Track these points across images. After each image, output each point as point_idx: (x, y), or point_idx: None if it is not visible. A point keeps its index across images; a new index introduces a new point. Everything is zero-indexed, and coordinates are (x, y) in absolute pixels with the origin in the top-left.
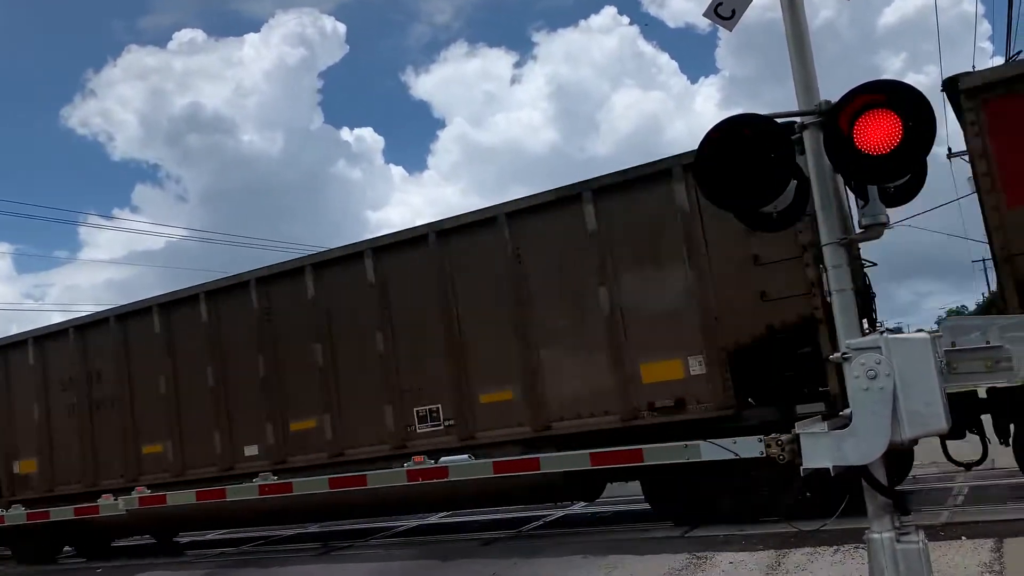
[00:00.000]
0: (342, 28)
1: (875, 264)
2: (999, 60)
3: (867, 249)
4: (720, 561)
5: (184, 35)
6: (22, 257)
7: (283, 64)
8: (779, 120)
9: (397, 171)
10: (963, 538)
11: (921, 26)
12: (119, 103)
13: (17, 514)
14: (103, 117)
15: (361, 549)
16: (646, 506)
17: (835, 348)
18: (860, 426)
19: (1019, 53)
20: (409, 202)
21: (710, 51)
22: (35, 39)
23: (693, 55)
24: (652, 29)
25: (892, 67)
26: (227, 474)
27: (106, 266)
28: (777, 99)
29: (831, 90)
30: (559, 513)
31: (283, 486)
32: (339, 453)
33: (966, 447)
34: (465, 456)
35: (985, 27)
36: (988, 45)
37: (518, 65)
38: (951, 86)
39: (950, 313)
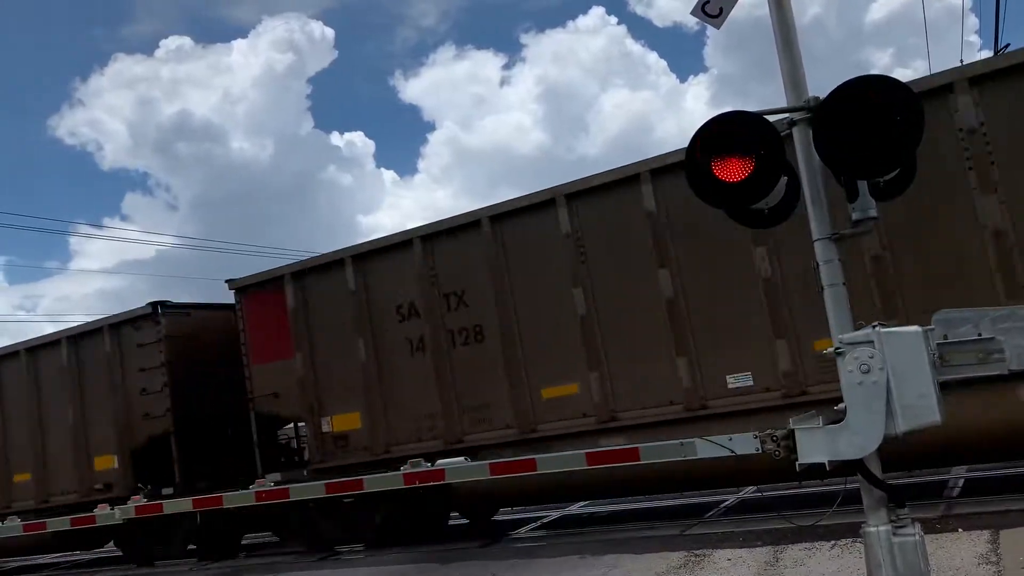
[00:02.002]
0: (331, 33)
1: None
2: (987, 53)
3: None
4: (718, 558)
5: (171, 42)
6: (13, 268)
7: (272, 70)
8: (769, 117)
9: (388, 175)
10: (959, 530)
11: (908, 21)
12: (107, 112)
13: (13, 526)
14: (91, 126)
15: (359, 554)
16: (644, 505)
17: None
18: (854, 420)
19: (1007, 46)
20: (400, 206)
21: (699, 49)
22: (19, 48)
23: (682, 54)
24: (641, 29)
25: (880, 62)
26: None
27: (97, 276)
28: (766, 96)
29: (820, 86)
30: (556, 514)
31: (280, 492)
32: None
33: None
34: (462, 459)
35: (972, 21)
36: (975, 39)
37: (507, 67)
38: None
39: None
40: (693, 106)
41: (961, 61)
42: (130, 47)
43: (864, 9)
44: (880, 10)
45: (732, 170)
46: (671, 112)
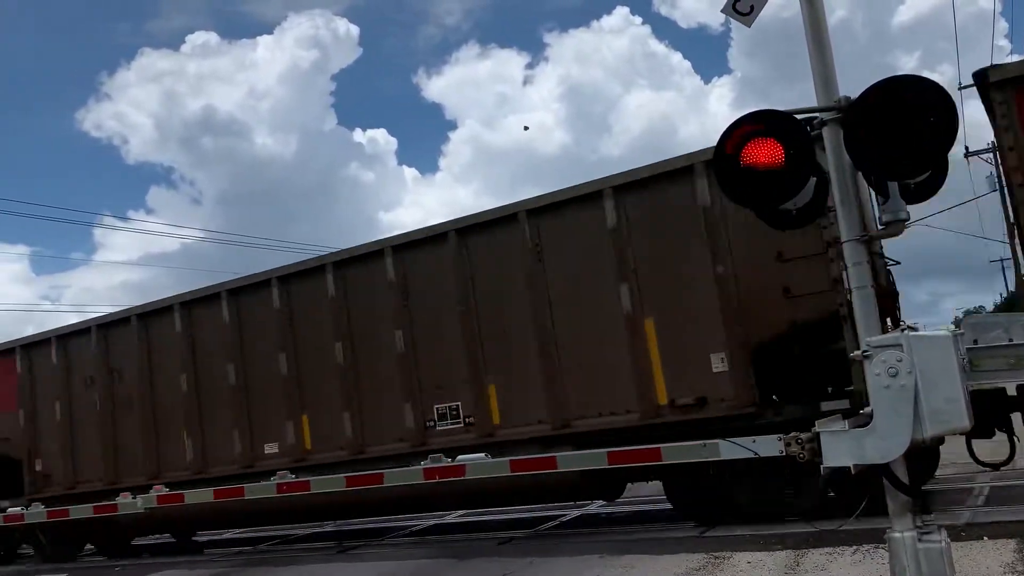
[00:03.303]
0: (355, 30)
1: (898, 263)
2: (1016, 57)
3: (887, 247)
4: (738, 561)
5: (197, 38)
6: (39, 258)
7: (296, 66)
8: (799, 116)
9: (410, 172)
10: (985, 538)
11: (935, 25)
12: (133, 106)
13: (37, 512)
14: (117, 120)
15: (376, 548)
16: (663, 506)
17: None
18: (881, 424)
19: None
20: (422, 203)
21: (722, 51)
22: (47, 43)
23: (706, 55)
24: (665, 29)
25: (907, 66)
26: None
27: (121, 267)
28: (790, 99)
29: (846, 88)
30: (575, 513)
31: (301, 484)
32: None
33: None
34: (482, 455)
35: (1002, 24)
36: (1005, 43)
37: (530, 66)
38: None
39: (967, 314)
40: (716, 107)
41: (991, 63)
42: (156, 42)
43: (891, 12)
44: (907, 13)
45: (763, 156)
46: (694, 113)
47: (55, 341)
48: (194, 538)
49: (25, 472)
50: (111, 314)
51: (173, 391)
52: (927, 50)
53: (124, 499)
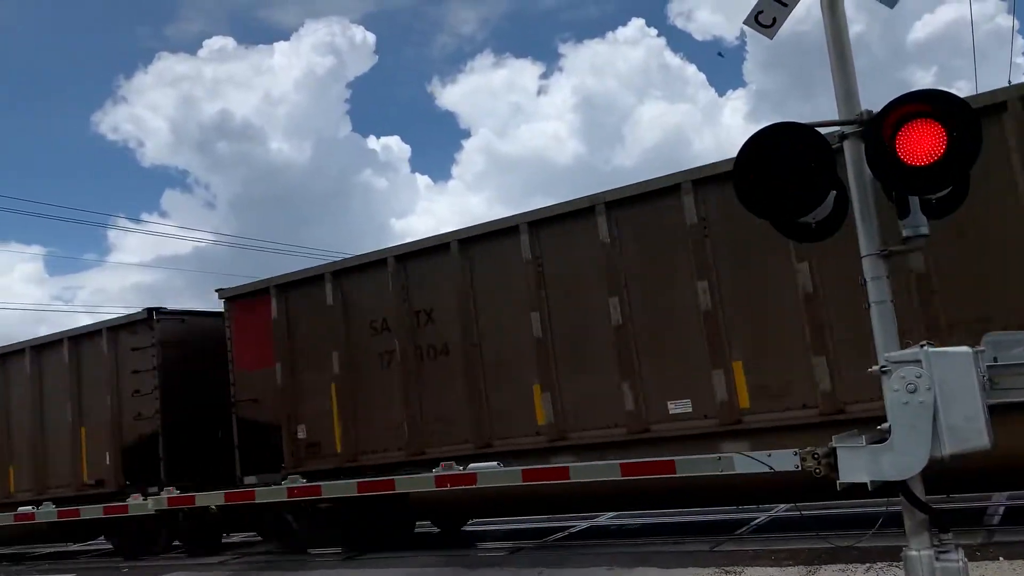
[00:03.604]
0: (372, 38)
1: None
2: None
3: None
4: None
5: (215, 43)
6: (53, 259)
7: (312, 73)
8: (819, 130)
9: (423, 180)
10: (1000, 558)
11: (951, 42)
12: (149, 109)
13: (48, 512)
14: (134, 123)
15: (385, 555)
16: (674, 519)
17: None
18: (899, 441)
19: None
20: (434, 211)
21: (738, 64)
22: (65, 45)
23: (721, 68)
24: (680, 41)
25: (923, 81)
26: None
27: (134, 269)
28: (804, 113)
29: (863, 103)
30: (584, 524)
31: (313, 488)
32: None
33: None
34: (495, 464)
35: (1019, 43)
36: (1023, 60)
37: (544, 76)
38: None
39: None
40: (731, 120)
41: (1009, 82)
42: (174, 46)
43: (907, 28)
44: (923, 30)
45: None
46: (709, 126)
47: (329, 278)
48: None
49: (284, 441)
50: (416, 242)
51: (516, 336)
52: (943, 67)
53: (134, 500)
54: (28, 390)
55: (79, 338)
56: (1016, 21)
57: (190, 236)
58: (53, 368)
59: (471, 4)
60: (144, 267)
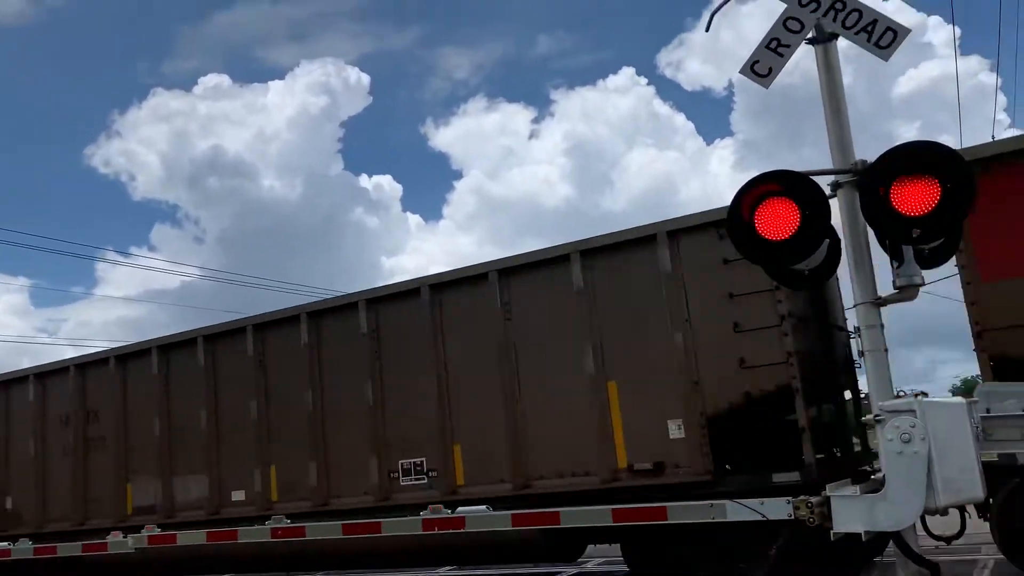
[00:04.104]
0: (367, 79)
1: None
2: (1016, 131)
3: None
4: None
5: (210, 80)
6: (39, 291)
7: (306, 112)
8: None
9: (414, 219)
10: None
11: (934, 97)
12: (143, 144)
13: (24, 548)
14: (126, 157)
15: None
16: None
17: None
18: (893, 491)
19: None
20: (424, 250)
21: (726, 114)
22: (61, 79)
23: (709, 117)
24: (669, 91)
25: (907, 135)
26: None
27: (120, 303)
28: (791, 162)
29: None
30: (573, 570)
31: (296, 530)
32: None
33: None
34: (483, 507)
35: (1001, 98)
36: (1004, 116)
37: (536, 121)
38: None
39: (964, 382)
40: (718, 168)
41: (992, 137)
42: (169, 82)
43: (892, 82)
44: (907, 84)
45: (776, 228)
46: (696, 174)
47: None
48: None
49: None
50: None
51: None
52: (926, 121)
53: (115, 538)
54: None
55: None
56: (999, 79)
57: (178, 271)
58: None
59: (465, 49)
60: (130, 301)
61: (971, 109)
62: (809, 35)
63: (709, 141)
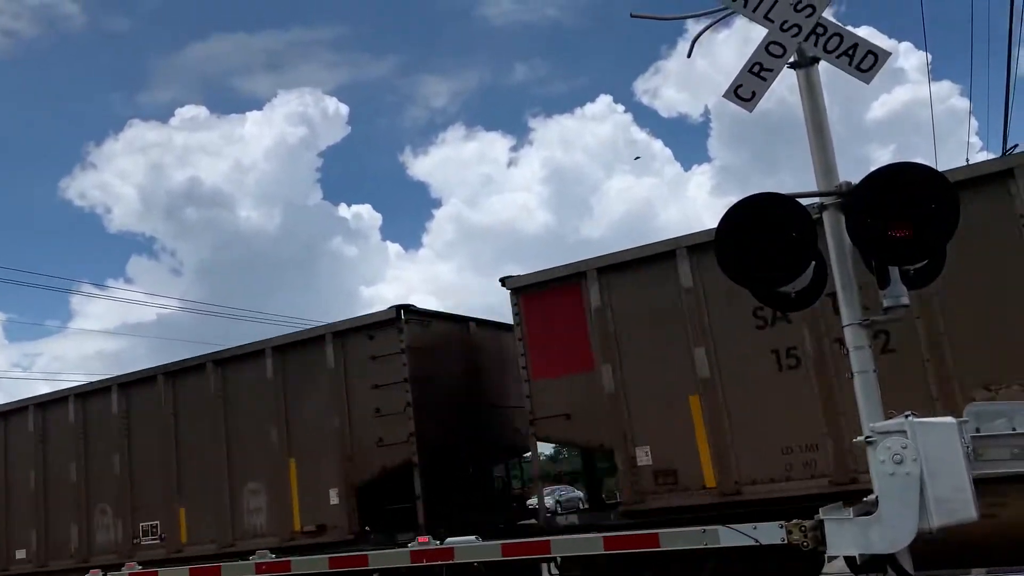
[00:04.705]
0: (344, 109)
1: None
2: (987, 155)
3: None
4: None
5: (187, 111)
6: (13, 325)
7: (284, 142)
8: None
9: (393, 248)
10: None
11: (908, 121)
12: (119, 176)
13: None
14: (102, 189)
15: None
16: None
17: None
18: (887, 513)
19: (1016, 147)
20: (404, 278)
21: (702, 140)
22: (36, 110)
23: (686, 144)
24: (646, 118)
25: (882, 158)
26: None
27: (97, 337)
28: (767, 187)
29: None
30: None
31: (281, 564)
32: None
33: None
34: (473, 537)
35: (973, 123)
36: (976, 140)
37: (515, 149)
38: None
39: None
40: (696, 194)
41: (967, 160)
42: (146, 113)
43: (866, 107)
44: (880, 109)
45: (764, 251)
46: (675, 199)
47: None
48: None
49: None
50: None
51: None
52: (901, 144)
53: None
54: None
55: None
56: (970, 103)
57: (155, 303)
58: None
59: (443, 78)
60: (107, 334)
61: (944, 132)
62: (791, 59)
63: (687, 167)
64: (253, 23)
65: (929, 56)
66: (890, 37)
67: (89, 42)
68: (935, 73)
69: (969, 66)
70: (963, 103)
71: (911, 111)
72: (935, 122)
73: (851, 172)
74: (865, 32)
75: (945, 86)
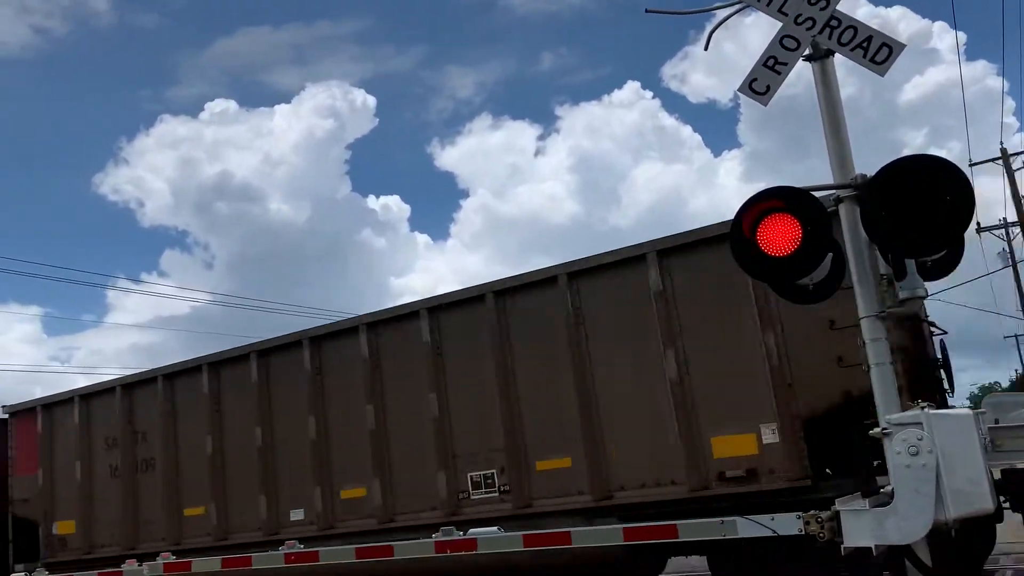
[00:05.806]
0: (372, 101)
1: (946, 332)
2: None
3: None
4: None
5: (216, 105)
6: (51, 320)
7: (312, 135)
8: (815, 193)
9: (422, 239)
10: None
11: (941, 103)
12: (150, 171)
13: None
14: (134, 184)
15: None
16: None
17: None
18: (902, 504)
19: None
20: (432, 269)
21: (732, 126)
22: (69, 108)
23: (715, 129)
24: (675, 104)
25: (915, 142)
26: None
27: (132, 330)
28: (798, 173)
29: (858, 164)
30: None
31: (310, 555)
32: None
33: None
34: (494, 528)
35: (1009, 103)
36: (1013, 120)
37: (541, 138)
38: None
39: (982, 389)
40: (725, 180)
41: (1001, 142)
42: (176, 109)
43: (898, 90)
44: (912, 92)
45: (778, 244)
46: (704, 186)
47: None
48: None
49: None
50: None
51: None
52: (934, 127)
53: (130, 566)
54: None
55: None
56: (1006, 82)
57: (188, 296)
58: None
59: (468, 69)
60: (142, 328)
61: (979, 114)
62: (806, 52)
63: (716, 153)
64: (278, 17)
65: (963, 36)
66: (923, 17)
67: (118, 38)
68: (970, 53)
69: (1001, 45)
70: (998, 83)
71: (945, 92)
72: (968, 104)
73: (884, 157)
74: (898, 12)
75: (980, 65)
